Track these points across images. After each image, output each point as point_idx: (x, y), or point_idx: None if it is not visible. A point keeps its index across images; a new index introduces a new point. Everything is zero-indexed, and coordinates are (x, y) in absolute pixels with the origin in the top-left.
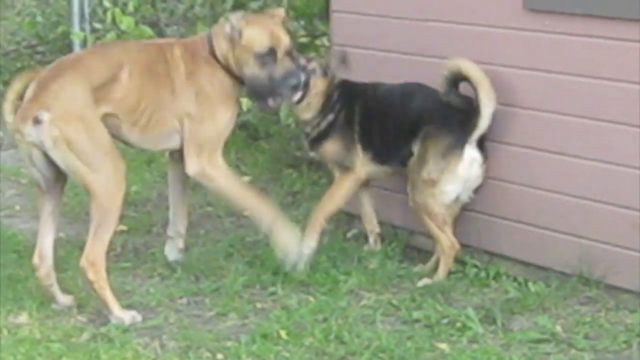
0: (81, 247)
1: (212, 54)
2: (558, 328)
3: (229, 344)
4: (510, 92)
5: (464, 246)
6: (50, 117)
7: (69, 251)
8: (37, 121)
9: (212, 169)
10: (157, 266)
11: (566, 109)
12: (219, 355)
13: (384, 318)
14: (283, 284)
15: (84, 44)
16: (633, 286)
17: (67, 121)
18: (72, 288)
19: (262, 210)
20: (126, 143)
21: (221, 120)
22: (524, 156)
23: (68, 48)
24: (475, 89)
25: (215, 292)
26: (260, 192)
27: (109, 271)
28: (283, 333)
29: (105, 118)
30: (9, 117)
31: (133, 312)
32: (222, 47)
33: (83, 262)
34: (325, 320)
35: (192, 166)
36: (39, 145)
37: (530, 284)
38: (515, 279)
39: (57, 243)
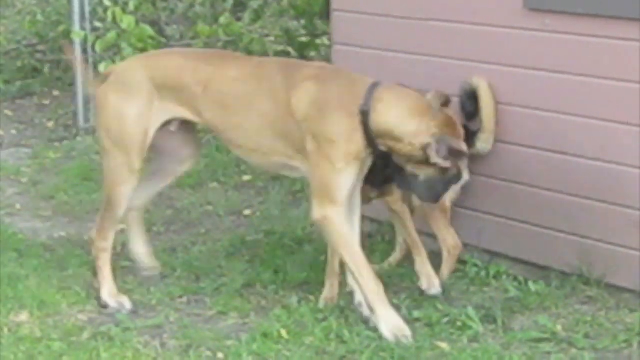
0: (81, 246)
1: (364, 119)
2: (558, 327)
3: (229, 343)
4: (510, 91)
5: (464, 245)
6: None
7: (69, 250)
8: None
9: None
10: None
11: (566, 108)
12: (220, 354)
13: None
14: (283, 283)
15: (84, 42)
16: (633, 285)
17: (102, 93)
18: (72, 287)
19: (363, 283)
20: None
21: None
22: (524, 155)
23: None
24: (480, 113)
25: (216, 291)
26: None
27: None
28: (284, 332)
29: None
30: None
31: (122, 299)
32: (383, 128)
33: (92, 234)
34: (325, 319)
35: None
36: None
37: (530, 283)
38: (515, 278)
39: (58, 242)
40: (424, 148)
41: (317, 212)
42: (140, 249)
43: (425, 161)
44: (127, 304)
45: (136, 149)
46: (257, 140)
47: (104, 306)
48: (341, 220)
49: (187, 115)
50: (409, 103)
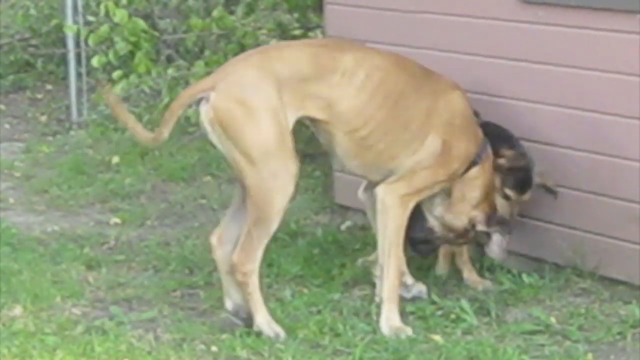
0: (75, 240)
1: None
2: (552, 319)
3: (223, 336)
4: (504, 83)
5: None
6: (213, 97)
7: (62, 244)
8: (203, 100)
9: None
10: (151, 259)
11: (560, 100)
12: (214, 348)
13: (378, 310)
14: (277, 276)
15: (77, 36)
16: (627, 277)
17: (229, 104)
18: (65, 281)
19: (389, 276)
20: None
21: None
22: None
23: (61, 41)
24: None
25: (209, 284)
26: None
27: (102, 264)
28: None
29: (314, 124)
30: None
31: (278, 329)
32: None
33: (234, 258)
34: (319, 312)
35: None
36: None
37: (524, 276)
38: (509, 271)
39: (51, 236)
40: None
41: (396, 192)
42: (238, 295)
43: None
44: (282, 334)
45: (289, 150)
46: (392, 139)
47: (258, 333)
48: (408, 212)
49: (313, 111)
50: None
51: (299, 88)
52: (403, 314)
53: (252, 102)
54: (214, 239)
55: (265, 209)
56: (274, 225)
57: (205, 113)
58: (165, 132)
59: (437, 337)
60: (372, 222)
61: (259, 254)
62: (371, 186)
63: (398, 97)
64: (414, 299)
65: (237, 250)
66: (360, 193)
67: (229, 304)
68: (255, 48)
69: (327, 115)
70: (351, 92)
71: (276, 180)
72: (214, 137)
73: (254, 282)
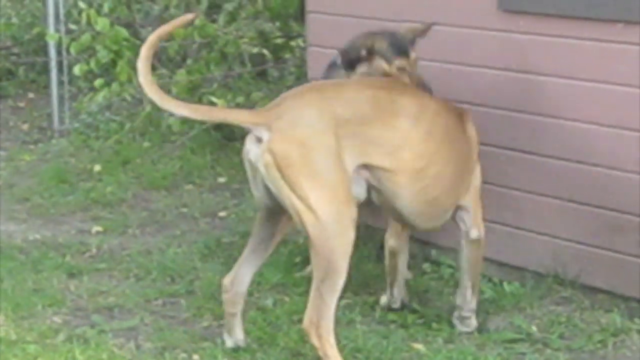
0: (56, 249)
1: None
2: (533, 328)
3: (204, 344)
4: (484, 92)
5: (439, 247)
6: (268, 137)
7: (43, 252)
8: (257, 139)
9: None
10: (132, 267)
11: (540, 109)
12: (195, 356)
13: (361, 318)
14: (259, 285)
15: (59, 45)
16: (608, 286)
17: (285, 144)
18: (47, 289)
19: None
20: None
21: None
22: (498, 156)
23: (43, 49)
24: None
25: (191, 293)
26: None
27: (84, 272)
28: (259, 333)
29: (372, 173)
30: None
31: None
32: None
33: (306, 323)
34: (301, 320)
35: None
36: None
37: (505, 284)
38: (490, 280)
39: (32, 244)
40: None
41: (481, 232)
42: (240, 334)
43: None
44: None
45: (349, 195)
46: (454, 180)
47: None
48: None
49: (377, 158)
50: None
51: (359, 132)
52: (384, 323)
53: (312, 144)
54: (227, 281)
55: (330, 257)
56: (342, 275)
57: (260, 155)
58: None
59: (419, 346)
60: (391, 263)
61: (332, 311)
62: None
63: (451, 138)
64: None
65: (308, 312)
66: (392, 240)
67: (230, 343)
68: (304, 84)
69: (391, 163)
70: (418, 137)
71: (337, 226)
72: (268, 181)
73: (331, 344)
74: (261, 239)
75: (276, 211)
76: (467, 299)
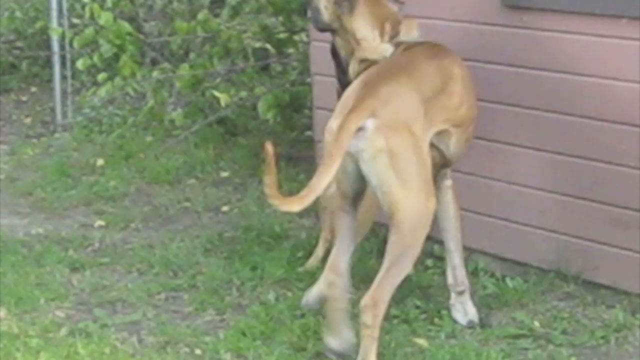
0: (59, 243)
1: None
2: (536, 324)
3: (207, 339)
4: (488, 88)
5: (442, 242)
6: (376, 124)
7: (46, 247)
8: (360, 129)
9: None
10: (135, 261)
11: (544, 104)
12: (197, 351)
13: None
14: (261, 279)
15: (62, 39)
16: (610, 282)
17: (396, 131)
18: (49, 283)
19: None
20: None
21: None
22: (502, 152)
23: (46, 44)
24: None
25: (193, 287)
26: None
27: (86, 267)
28: (261, 328)
29: (437, 136)
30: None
31: None
32: None
33: (367, 300)
34: (303, 315)
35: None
36: (356, 155)
37: (508, 280)
38: (493, 275)
39: (35, 238)
40: None
41: None
42: (349, 333)
43: None
44: None
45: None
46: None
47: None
48: None
49: (439, 125)
50: None
51: (433, 104)
52: (386, 318)
53: (416, 128)
54: (331, 275)
55: (414, 241)
56: (417, 254)
57: (369, 142)
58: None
59: (421, 341)
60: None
61: (391, 295)
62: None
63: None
64: None
65: (372, 291)
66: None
67: (335, 344)
68: (380, 63)
69: (453, 122)
70: (466, 93)
71: (426, 210)
72: (371, 169)
73: (378, 326)
74: (348, 227)
75: (359, 198)
76: (458, 276)
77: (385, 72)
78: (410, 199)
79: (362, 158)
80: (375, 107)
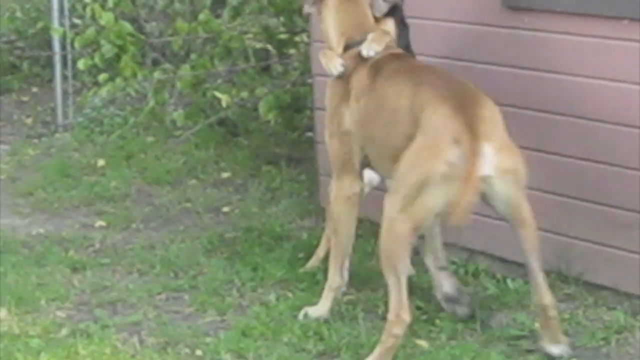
0: (60, 243)
1: None
2: (537, 325)
3: (208, 339)
4: (490, 89)
5: (443, 244)
6: (496, 147)
7: (47, 247)
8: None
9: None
10: (135, 262)
11: (546, 106)
12: (198, 351)
13: (364, 314)
14: (262, 280)
15: (63, 39)
16: (611, 283)
17: (511, 151)
18: (50, 284)
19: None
20: None
21: None
22: None
23: (47, 44)
24: None
25: (194, 288)
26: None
27: (87, 267)
28: (262, 329)
29: None
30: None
31: None
32: None
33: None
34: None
35: None
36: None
37: (509, 281)
38: (494, 276)
39: (36, 239)
40: None
41: None
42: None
43: None
44: None
45: None
46: None
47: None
48: None
49: None
50: None
51: None
52: (386, 319)
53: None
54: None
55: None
56: None
57: (497, 165)
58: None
59: (422, 342)
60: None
61: None
62: None
63: None
64: None
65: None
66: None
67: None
68: (445, 91)
69: None
70: None
71: None
72: (499, 188)
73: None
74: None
75: None
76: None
77: (465, 95)
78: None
79: (491, 181)
80: (487, 131)
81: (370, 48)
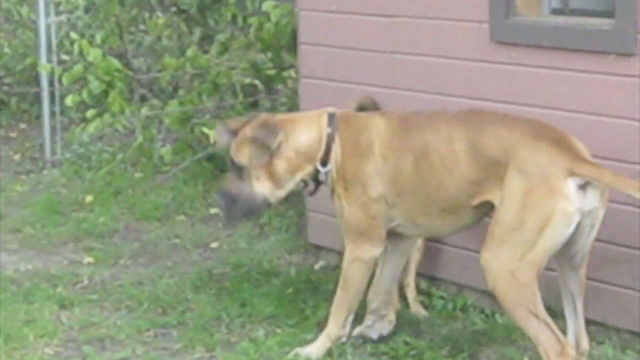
0: (48, 280)
1: None
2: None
3: None
4: None
5: (431, 278)
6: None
7: (35, 283)
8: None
9: None
10: (124, 298)
11: None
12: None
13: (352, 350)
14: (250, 316)
15: (51, 75)
16: (600, 318)
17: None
18: (38, 320)
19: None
20: None
21: None
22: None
23: (35, 80)
24: None
25: (183, 324)
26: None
27: (75, 304)
28: None
29: None
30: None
31: None
32: None
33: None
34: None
35: None
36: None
37: (497, 316)
38: (482, 311)
39: (24, 275)
40: None
41: None
42: None
43: None
44: None
45: None
46: None
47: None
48: None
49: None
50: None
51: None
52: (375, 354)
53: None
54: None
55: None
56: None
57: (602, 199)
58: None
59: None
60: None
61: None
62: None
63: None
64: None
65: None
66: None
67: None
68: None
69: None
70: None
71: None
72: (596, 222)
73: None
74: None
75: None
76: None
77: (546, 130)
78: None
79: (597, 213)
80: (592, 160)
81: None
